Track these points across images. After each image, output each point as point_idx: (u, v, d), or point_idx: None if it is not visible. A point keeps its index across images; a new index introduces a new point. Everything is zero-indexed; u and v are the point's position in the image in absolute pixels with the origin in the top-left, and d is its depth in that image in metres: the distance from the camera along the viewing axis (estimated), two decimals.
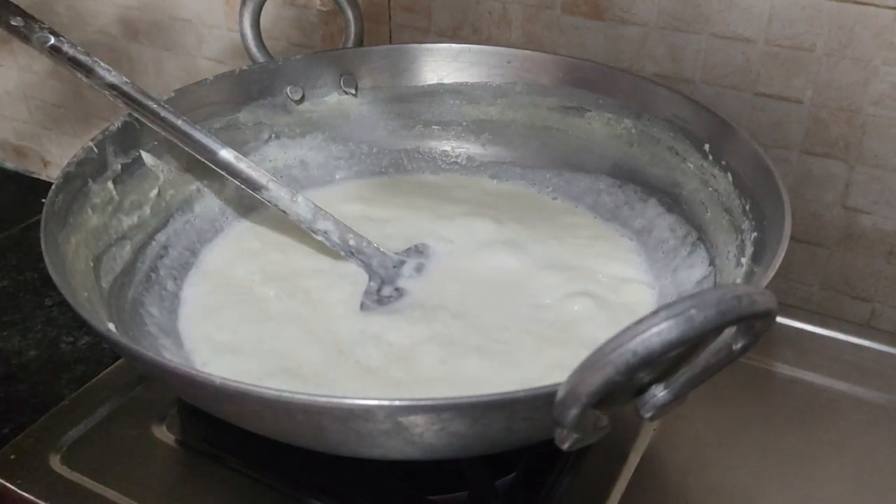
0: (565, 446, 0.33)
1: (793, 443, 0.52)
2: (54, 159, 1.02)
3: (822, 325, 0.60)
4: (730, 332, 0.32)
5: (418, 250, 0.58)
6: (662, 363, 0.33)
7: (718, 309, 0.29)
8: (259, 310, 0.54)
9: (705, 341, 0.33)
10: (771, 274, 0.40)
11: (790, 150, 0.61)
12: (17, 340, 0.69)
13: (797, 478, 0.50)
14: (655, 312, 0.29)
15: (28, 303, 0.74)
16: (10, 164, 1.05)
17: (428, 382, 0.47)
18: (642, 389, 0.35)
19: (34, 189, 0.99)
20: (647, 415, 0.35)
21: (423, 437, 0.36)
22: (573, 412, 0.31)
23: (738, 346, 0.33)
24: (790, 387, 0.57)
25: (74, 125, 0.97)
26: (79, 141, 0.96)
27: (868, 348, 0.59)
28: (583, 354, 0.31)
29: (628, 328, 0.29)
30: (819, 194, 0.61)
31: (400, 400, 0.34)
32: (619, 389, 0.31)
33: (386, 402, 0.34)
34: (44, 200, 0.48)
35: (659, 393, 0.34)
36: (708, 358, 0.34)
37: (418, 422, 0.35)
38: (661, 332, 0.29)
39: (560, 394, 0.31)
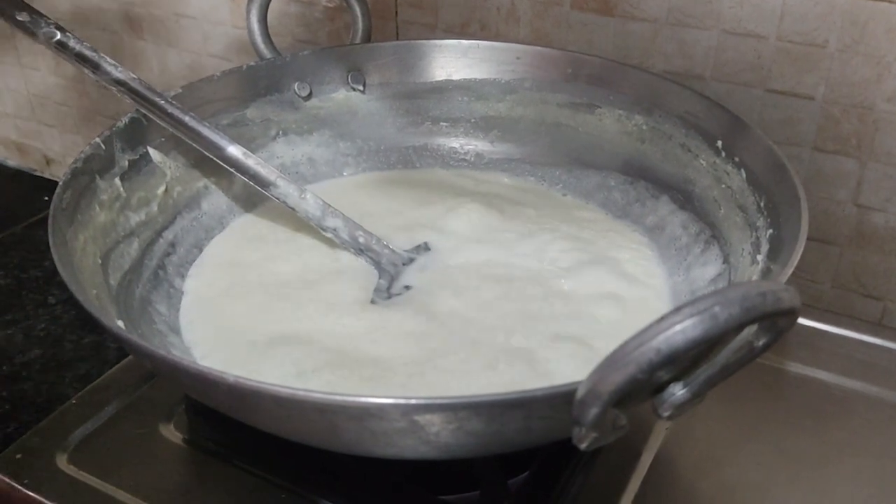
0: (583, 446, 0.33)
1: (805, 441, 0.52)
2: (57, 157, 1.01)
3: (833, 323, 0.60)
4: (750, 329, 0.32)
5: (427, 247, 0.57)
6: (682, 361, 0.33)
7: (743, 306, 0.29)
8: (261, 302, 0.53)
9: (726, 339, 0.33)
10: (789, 271, 0.39)
11: (802, 147, 0.60)
12: (20, 339, 0.69)
13: (809, 477, 0.50)
14: (678, 310, 0.29)
15: (31, 301, 0.74)
16: (12, 162, 1.05)
17: (441, 379, 0.46)
18: (661, 388, 0.34)
19: (36, 187, 0.98)
20: (666, 414, 0.34)
21: (439, 437, 0.35)
22: (593, 411, 0.31)
23: (759, 343, 0.32)
24: (802, 385, 0.56)
25: (77, 123, 0.96)
26: (82, 139, 0.96)
27: (880, 347, 0.59)
28: (600, 347, 0.30)
29: (651, 326, 0.29)
30: (831, 192, 0.61)
31: (416, 398, 0.33)
32: (639, 388, 0.30)
33: (402, 401, 0.33)
34: (46, 198, 0.47)
35: (678, 391, 0.34)
36: (728, 356, 0.33)
37: (434, 421, 0.34)
38: (684, 330, 0.28)
39: (580, 392, 0.31)
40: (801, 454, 0.51)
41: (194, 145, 0.55)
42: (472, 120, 0.66)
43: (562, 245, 0.57)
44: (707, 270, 0.52)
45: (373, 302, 0.53)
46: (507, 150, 0.66)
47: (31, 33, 0.53)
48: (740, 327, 0.29)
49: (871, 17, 0.55)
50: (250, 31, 0.63)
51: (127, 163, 0.54)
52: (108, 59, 0.54)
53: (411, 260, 0.56)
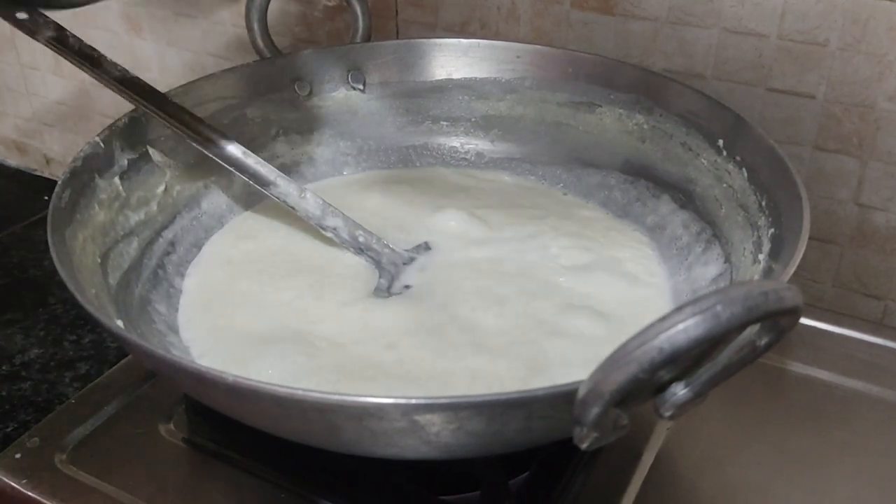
0: (584, 446, 0.33)
1: (806, 441, 0.52)
2: (56, 157, 1.01)
3: (834, 323, 0.60)
4: (752, 329, 0.32)
5: (427, 246, 0.57)
6: (684, 361, 0.32)
7: (745, 305, 0.28)
8: (260, 300, 0.53)
9: (728, 338, 0.33)
10: (791, 270, 0.39)
11: (803, 146, 0.60)
12: (19, 339, 0.69)
13: (811, 477, 0.50)
14: (680, 308, 0.29)
15: (30, 301, 0.74)
16: (12, 162, 1.05)
17: (442, 378, 0.46)
18: (662, 387, 0.34)
19: (36, 187, 0.98)
20: (667, 414, 0.34)
21: (440, 436, 0.35)
22: (595, 411, 0.30)
23: (761, 343, 0.32)
24: (803, 385, 0.56)
25: (77, 122, 0.96)
26: (81, 138, 0.96)
27: (881, 346, 0.59)
28: (602, 347, 0.30)
29: (653, 325, 0.29)
30: (832, 191, 0.61)
31: (416, 398, 0.33)
32: (641, 387, 0.30)
33: (402, 401, 0.33)
34: (46, 198, 0.47)
35: (679, 391, 0.34)
36: (730, 355, 0.33)
37: (435, 420, 0.34)
38: (687, 329, 0.28)
39: (581, 392, 0.31)
40: (802, 454, 0.51)
41: (194, 144, 0.55)
42: (473, 119, 0.66)
43: (563, 244, 0.56)
44: (708, 270, 0.52)
45: (373, 301, 0.53)
46: (507, 149, 0.66)
47: (30, 32, 0.53)
48: (742, 326, 0.29)
49: (872, 16, 0.55)
50: (250, 30, 0.63)
51: (126, 162, 0.54)
52: (108, 58, 0.53)
53: (411, 259, 0.56)
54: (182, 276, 0.55)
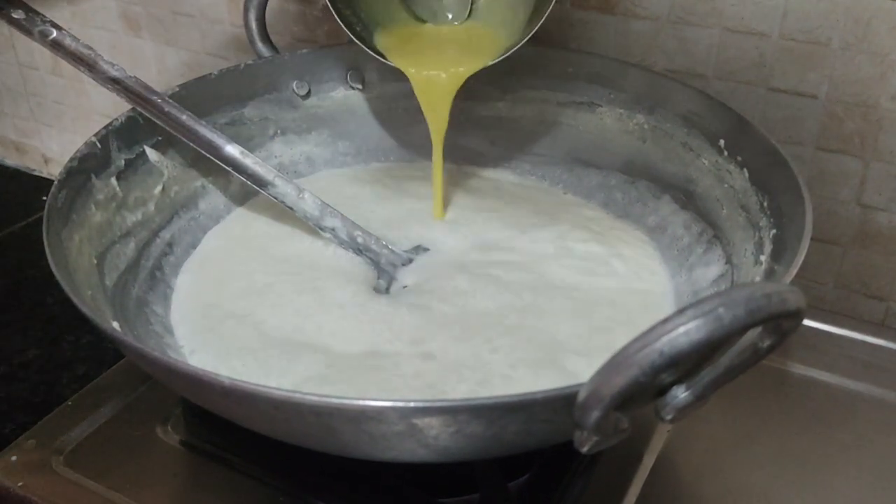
0: (585, 449, 0.32)
1: (808, 443, 0.52)
2: (55, 156, 1.01)
3: (836, 324, 0.60)
4: (754, 331, 0.31)
5: (425, 248, 0.57)
6: (686, 363, 0.32)
7: (748, 307, 0.28)
8: (254, 298, 0.52)
9: (730, 341, 0.32)
10: (794, 271, 0.39)
11: (805, 146, 0.60)
12: (17, 339, 0.69)
13: (813, 479, 0.49)
14: (682, 311, 0.28)
15: (29, 301, 0.73)
16: (10, 162, 1.04)
17: (440, 380, 0.46)
18: (663, 391, 0.34)
19: (35, 187, 0.98)
20: (668, 417, 0.34)
21: (438, 440, 0.35)
22: (595, 414, 0.30)
23: (763, 345, 0.32)
24: (805, 387, 0.56)
25: (76, 122, 0.96)
26: (80, 138, 0.94)
27: (883, 348, 0.59)
28: (601, 350, 0.30)
29: (654, 327, 0.28)
30: (834, 191, 0.60)
31: (415, 401, 0.33)
32: (641, 391, 0.30)
33: (400, 404, 0.33)
34: (45, 198, 0.47)
35: (680, 394, 0.33)
36: (732, 358, 0.33)
37: (433, 424, 0.34)
38: (688, 332, 0.28)
39: (582, 395, 0.30)
40: (804, 456, 0.51)
41: (191, 145, 0.54)
42: (472, 119, 0.65)
43: (563, 244, 0.56)
44: (710, 271, 0.52)
45: (370, 301, 0.52)
46: (507, 148, 0.65)
47: (26, 31, 0.52)
48: (745, 329, 0.29)
49: (875, 15, 0.55)
50: (248, 30, 0.62)
51: (123, 162, 0.54)
52: (105, 58, 0.53)
53: (410, 260, 0.56)
54: (178, 276, 0.55)
